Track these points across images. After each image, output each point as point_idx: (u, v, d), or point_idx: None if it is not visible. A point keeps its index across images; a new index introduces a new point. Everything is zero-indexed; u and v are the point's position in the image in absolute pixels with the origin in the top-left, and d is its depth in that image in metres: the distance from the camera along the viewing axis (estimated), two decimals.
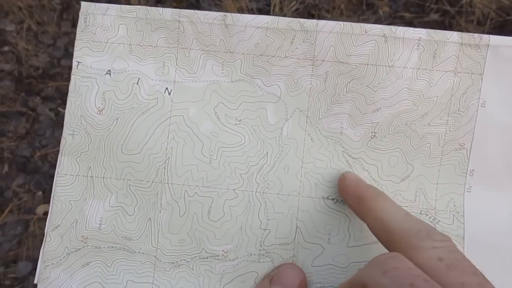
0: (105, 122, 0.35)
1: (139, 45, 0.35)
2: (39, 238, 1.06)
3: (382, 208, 0.29)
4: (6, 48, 1.20)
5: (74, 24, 1.24)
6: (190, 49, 0.35)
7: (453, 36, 0.34)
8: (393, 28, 0.34)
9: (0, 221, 1.06)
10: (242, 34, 0.35)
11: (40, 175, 1.10)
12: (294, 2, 1.21)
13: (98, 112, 0.35)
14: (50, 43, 1.21)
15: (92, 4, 0.35)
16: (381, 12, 1.20)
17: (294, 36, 0.35)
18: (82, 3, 0.35)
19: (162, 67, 0.35)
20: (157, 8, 0.35)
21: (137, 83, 0.35)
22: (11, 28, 1.22)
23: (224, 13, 0.35)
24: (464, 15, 1.19)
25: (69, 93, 0.35)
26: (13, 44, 1.20)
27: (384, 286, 0.22)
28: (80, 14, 0.35)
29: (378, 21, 1.19)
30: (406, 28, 0.34)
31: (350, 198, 0.33)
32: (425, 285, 0.21)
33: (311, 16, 1.22)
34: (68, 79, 1.17)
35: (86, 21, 0.35)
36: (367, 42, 0.34)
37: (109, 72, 0.35)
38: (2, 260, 1.04)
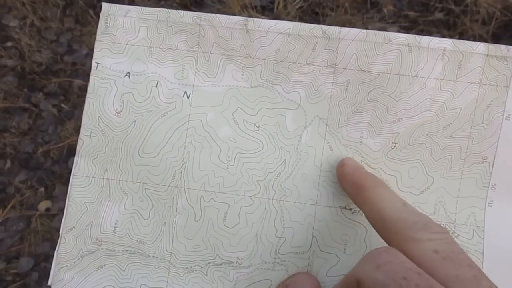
0: (123, 124, 0.35)
1: (159, 48, 0.35)
2: (41, 234, 1.05)
3: (379, 197, 0.29)
4: (9, 44, 1.20)
5: (78, 20, 1.24)
6: (210, 53, 0.35)
7: (479, 47, 0.33)
8: (418, 37, 0.33)
9: (2, 217, 1.06)
10: (263, 39, 0.34)
11: (42, 171, 1.10)
12: (298, 0, 1.21)
13: (116, 114, 0.35)
14: (53, 39, 1.21)
15: (113, 5, 0.35)
16: (385, 10, 1.20)
17: (316, 42, 0.34)
18: (103, 4, 0.35)
19: (182, 71, 0.35)
20: (178, 11, 0.35)
21: (156, 86, 0.35)
22: (14, 24, 1.21)
23: (246, 17, 0.34)
24: (469, 14, 1.18)
25: (88, 94, 0.35)
26: (16, 40, 1.19)
27: (377, 281, 0.22)
28: (101, 15, 0.35)
29: (382, 19, 1.19)
30: (431, 38, 0.33)
31: (348, 185, 0.33)
32: (418, 278, 0.21)
33: (315, 14, 1.21)
34: (71, 76, 1.17)
35: (106, 23, 0.35)
36: (390, 51, 0.33)
37: (128, 74, 0.35)
38: (4, 255, 1.04)
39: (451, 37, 1.16)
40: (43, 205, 1.07)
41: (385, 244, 0.27)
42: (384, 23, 1.17)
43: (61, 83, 1.16)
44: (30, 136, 1.11)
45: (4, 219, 1.06)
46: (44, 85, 1.16)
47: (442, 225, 0.34)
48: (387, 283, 0.21)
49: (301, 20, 1.19)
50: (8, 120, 1.13)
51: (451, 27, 1.18)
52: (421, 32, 1.17)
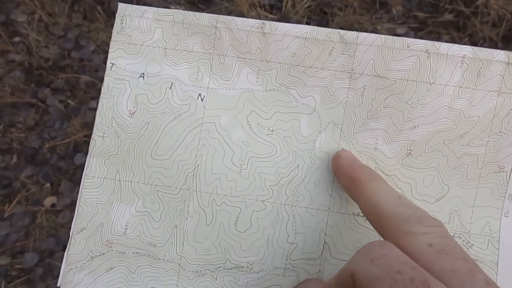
0: (136, 126, 0.34)
1: (174, 49, 0.34)
2: (46, 230, 1.05)
3: (374, 191, 0.28)
4: (17, 39, 1.19)
5: (85, 16, 1.23)
6: (225, 55, 0.34)
7: (499, 55, 0.33)
8: (437, 44, 0.33)
9: (8, 212, 1.06)
10: (279, 43, 0.34)
11: (48, 167, 1.09)
12: None
13: (130, 115, 0.34)
14: (61, 34, 1.21)
15: (129, 6, 0.35)
16: (394, 11, 1.19)
17: (333, 47, 0.33)
18: (120, 5, 0.35)
19: (196, 73, 0.34)
20: (194, 12, 0.34)
21: (170, 88, 0.34)
22: (22, 19, 1.21)
23: (262, 21, 0.34)
24: (479, 16, 1.17)
25: (101, 95, 0.35)
26: (24, 35, 1.19)
27: (371, 274, 0.21)
28: (117, 15, 0.35)
29: (391, 20, 1.18)
30: (451, 44, 0.33)
31: (343, 178, 0.32)
32: (412, 272, 0.21)
33: (323, 13, 1.21)
34: (78, 72, 1.17)
35: (122, 23, 0.35)
36: (408, 57, 0.33)
37: (142, 75, 0.34)
38: (9, 251, 1.04)
39: (460, 38, 1.16)
40: (49, 201, 1.06)
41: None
42: (393, 24, 1.17)
43: (68, 79, 1.16)
44: (37, 132, 1.11)
45: (9, 214, 1.06)
46: (51, 80, 1.16)
47: (456, 235, 0.34)
48: (381, 277, 0.21)
49: (309, 19, 1.19)
50: (15, 115, 1.13)
51: (460, 29, 1.17)
52: (430, 33, 1.17)
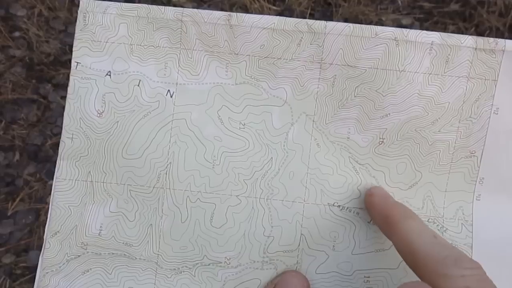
0: (105, 126, 0.34)
1: (140, 45, 0.34)
2: None
3: (409, 230, 0.27)
4: (17, 34, 1.19)
5: None
6: (193, 50, 0.34)
7: (467, 40, 0.32)
8: (405, 31, 0.32)
9: (12, 209, 1.06)
10: (247, 35, 0.33)
11: (51, 164, 1.09)
12: None
13: (98, 115, 0.34)
14: (62, 29, 1.20)
15: (91, 1, 0.33)
16: (399, 1, 1.17)
17: (302, 38, 0.33)
18: (81, 1, 0.33)
19: (164, 69, 0.34)
20: (159, 6, 0.33)
21: (138, 85, 0.34)
22: (22, 13, 1.21)
23: (229, 13, 0.32)
24: (486, 5, 1.15)
25: (68, 95, 0.34)
26: (24, 30, 1.18)
27: None
28: (79, 12, 0.34)
29: (396, 11, 1.17)
30: (419, 31, 0.32)
31: (377, 216, 0.32)
32: None
33: (327, 4, 1.19)
34: None
35: (85, 20, 0.33)
36: (377, 45, 0.32)
37: (109, 73, 0.34)
38: (13, 249, 1.04)
39: (466, 29, 1.14)
40: None
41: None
42: (398, 15, 1.15)
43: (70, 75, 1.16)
44: (39, 128, 1.11)
45: (13, 212, 1.06)
46: (52, 76, 1.15)
47: (430, 220, 0.34)
48: None
49: (313, 10, 1.18)
50: (16, 112, 1.13)
51: (467, 19, 1.15)
52: (435, 24, 1.15)
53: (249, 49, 0.33)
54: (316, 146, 0.34)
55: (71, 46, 1.17)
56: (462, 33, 0.34)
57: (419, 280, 0.25)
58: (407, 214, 0.30)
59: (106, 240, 0.34)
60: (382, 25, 1.01)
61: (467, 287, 0.22)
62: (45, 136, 1.12)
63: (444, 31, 1.13)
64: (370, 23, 1.13)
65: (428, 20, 1.16)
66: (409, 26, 1.13)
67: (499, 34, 1.13)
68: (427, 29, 0.33)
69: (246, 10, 1.18)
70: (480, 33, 1.14)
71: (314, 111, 0.34)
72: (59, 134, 1.10)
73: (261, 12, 1.15)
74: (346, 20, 1.14)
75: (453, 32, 1.11)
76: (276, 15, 1.18)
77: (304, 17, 1.13)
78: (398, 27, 0.32)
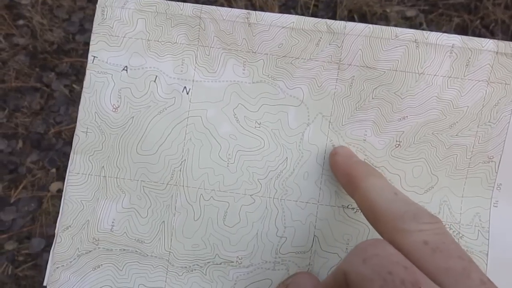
0: (120, 121, 0.33)
1: (158, 41, 0.33)
2: (52, 215, 1.05)
3: (370, 187, 0.27)
4: (21, 22, 1.18)
5: None
6: (210, 47, 0.33)
7: (489, 44, 0.31)
8: (426, 33, 0.31)
9: (14, 197, 1.06)
10: (265, 33, 0.32)
11: (54, 152, 1.09)
12: None
13: (113, 109, 0.33)
14: (65, 17, 1.19)
15: None
16: None
17: (320, 37, 0.32)
18: None
19: (181, 65, 0.33)
20: (177, 3, 0.33)
21: (155, 81, 0.33)
22: (26, 2, 1.20)
23: (248, 11, 0.32)
24: None
25: (84, 89, 0.33)
26: (28, 18, 1.18)
27: (363, 275, 0.21)
28: (97, 6, 0.33)
29: (400, 2, 1.16)
30: (439, 34, 0.31)
31: (340, 174, 0.31)
32: (404, 272, 0.20)
33: None
34: (82, 56, 1.16)
35: (103, 14, 0.33)
36: (397, 47, 0.32)
37: (125, 69, 0.33)
38: (16, 236, 1.04)
39: (471, 21, 1.13)
40: (55, 187, 1.06)
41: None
42: (403, 6, 1.14)
43: (73, 63, 1.15)
44: (42, 117, 1.10)
45: (15, 200, 1.06)
46: (56, 64, 1.14)
47: (447, 225, 0.33)
48: (371, 278, 0.20)
49: (317, 2, 1.17)
50: (20, 100, 1.12)
51: (472, 11, 1.14)
52: (440, 16, 1.14)
53: (267, 47, 0.33)
54: (331, 147, 0.33)
55: (74, 35, 1.17)
56: (467, 25, 0.33)
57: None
58: (370, 171, 0.29)
59: (118, 236, 0.34)
60: (386, 16, 1.00)
61: (424, 241, 0.22)
62: (48, 124, 1.11)
63: (449, 23, 1.12)
64: (374, 14, 1.12)
65: (433, 12, 1.15)
66: (414, 18, 1.12)
67: (505, 27, 1.13)
68: (431, 21, 0.32)
69: (250, 1, 1.17)
70: (485, 26, 1.13)
71: (331, 112, 0.33)
72: (62, 122, 1.10)
73: (265, 3, 1.14)
74: (350, 12, 1.13)
75: (458, 24, 1.11)
76: (280, 6, 1.17)
77: (308, 8, 1.12)
78: (403, 18, 0.32)
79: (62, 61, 1.16)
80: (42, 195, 1.07)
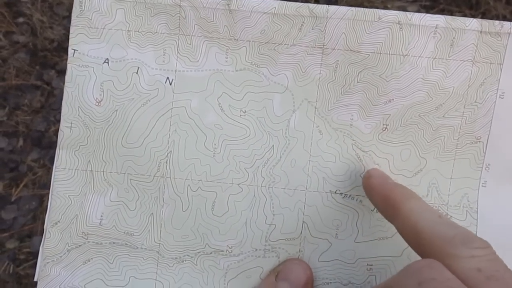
0: (104, 114, 0.33)
1: (138, 32, 0.33)
2: None
3: (412, 210, 0.26)
4: (21, 20, 1.18)
5: None
6: (192, 35, 0.33)
7: (472, 23, 0.31)
8: (409, 14, 0.31)
9: (15, 195, 1.06)
10: (247, 20, 0.32)
11: (55, 150, 1.08)
12: None
13: (97, 103, 0.33)
14: (65, 15, 1.19)
15: None
16: None
17: (303, 22, 0.32)
18: None
19: (163, 55, 0.33)
20: None
21: (137, 73, 0.33)
22: None
23: None
24: None
25: (66, 83, 0.33)
26: (28, 16, 1.18)
27: None
28: None
29: None
30: (423, 14, 0.31)
31: (377, 197, 0.30)
32: None
33: None
34: None
35: (81, 5, 0.32)
36: (380, 29, 0.31)
37: (107, 61, 0.33)
38: (17, 234, 1.04)
39: (473, 16, 1.12)
40: None
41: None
42: (404, 2, 1.13)
43: None
44: (42, 114, 1.10)
45: (17, 198, 1.06)
46: (56, 62, 1.14)
47: (434, 207, 0.33)
48: None
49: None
50: (20, 98, 1.12)
51: (473, 6, 1.13)
52: (442, 11, 1.13)
53: (249, 34, 0.32)
54: (318, 133, 0.33)
55: None
56: None
57: None
58: (408, 194, 0.28)
59: (107, 230, 0.34)
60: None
61: (478, 268, 0.21)
62: (48, 122, 1.11)
63: None
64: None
65: (434, 7, 1.15)
66: None
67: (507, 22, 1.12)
68: None
69: None
70: None
71: (316, 97, 0.33)
72: None
73: None
74: (350, 7, 1.12)
75: None
76: None
77: (308, 1, 1.11)
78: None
79: (62, 59, 1.16)
80: (43, 193, 1.08)
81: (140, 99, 0.33)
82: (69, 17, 1.11)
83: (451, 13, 1.13)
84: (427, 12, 1.12)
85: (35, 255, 1.03)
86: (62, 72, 1.15)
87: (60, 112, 0.32)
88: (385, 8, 1.12)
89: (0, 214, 1.04)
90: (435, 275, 0.21)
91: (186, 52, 0.33)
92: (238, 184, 0.33)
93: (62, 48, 1.17)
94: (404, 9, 1.13)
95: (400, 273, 0.22)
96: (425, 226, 0.25)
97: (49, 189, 0.34)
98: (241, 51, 0.33)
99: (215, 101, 0.33)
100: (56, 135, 1.07)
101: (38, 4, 1.19)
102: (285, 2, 0.32)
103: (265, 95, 0.33)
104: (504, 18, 1.12)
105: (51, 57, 1.16)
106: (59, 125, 0.32)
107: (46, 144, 1.11)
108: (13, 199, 1.07)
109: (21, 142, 1.11)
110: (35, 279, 0.34)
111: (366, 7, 0.32)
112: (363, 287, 0.33)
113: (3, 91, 1.13)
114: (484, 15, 1.13)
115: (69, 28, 0.32)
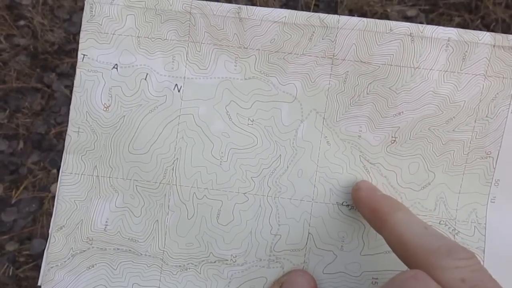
0: (112, 120, 0.33)
1: (148, 38, 0.32)
2: None
3: (399, 222, 0.26)
4: (21, 23, 1.18)
5: None
6: (201, 43, 0.32)
7: (486, 37, 0.31)
8: (421, 26, 0.31)
9: (15, 198, 1.06)
10: (257, 28, 0.32)
11: (55, 153, 1.08)
12: None
13: (104, 108, 0.33)
14: (66, 18, 1.19)
15: None
16: None
17: (313, 32, 0.32)
18: None
19: (172, 62, 0.33)
20: None
21: (145, 79, 0.33)
22: (26, 2, 1.20)
23: (238, 5, 0.32)
24: None
25: (74, 88, 0.33)
26: (29, 18, 1.18)
27: None
28: (85, 3, 0.32)
29: (401, 2, 1.13)
30: (435, 27, 0.31)
31: (365, 209, 0.30)
32: None
33: None
34: None
35: (92, 11, 0.32)
36: (392, 41, 0.31)
37: (116, 67, 0.33)
38: (17, 237, 1.04)
39: (472, 20, 1.12)
40: (56, 187, 1.06)
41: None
42: (404, 6, 1.13)
43: (74, 64, 1.14)
44: (43, 117, 1.10)
45: (16, 200, 1.06)
46: (56, 65, 1.14)
47: (442, 222, 0.33)
48: None
49: (318, 1, 1.16)
50: (20, 101, 1.12)
51: (472, 11, 1.13)
52: (441, 15, 1.13)
53: (259, 43, 0.32)
54: (326, 144, 0.33)
55: (75, 35, 1.17)
56: (468, 25, 0.32)
57: None
58: (396, 206, 0.28)
59: (112, 236, 0.33)
60: (387, 16, 0.99)
61: (462, 278, 0.21)
62: (49, 125, 1.11)
63: (450, 23, 1.12)
64: (375, 14, 1.12)
65: (434, 11, 1.15)
66: (414, 17, 1.11)
67: (505, 26, 1.12)
68: (432, 21, 0.32)
69: (250, 0, 1.16)
70: (486, 25, 1.13)
71: (325, 108, 0.32)
72: (63, 123, 1.10)
73: (266, 3, 1.13)
74: (350, 11, 1.13)
75: (458, 23, 1.10)
76: (281, 6, 1.16)
77: (309, 8, 1.11)
78: (403, 18, 0.31)
79: (63, 62, 1.16)
80: (43, 196, 1.07)
81: (148, 106, 0.33)
82: (69, 20, 1.11)
83: (450, 17, 1.13)
84: (427, 16, 1.13)
85: (34, 257, 1.02)
86: (62, 75, 1.15)
87: (60, 115, 0.32)
88: (385, 11, 1.12)
89: (0, 217, 1.04)
90: (420, 286, 0.21)
91: (195, 59, 0.33)
92: (244, 193, 0.33)
93: (62, 51, 1.17)
94: (403, 12, 1.13)
95: (386, 285, 0.23)
96: (410, 237, 0.25)
97: (49, 191, 0.33)
98: (250, 59, 0.33)
99: (223, 109, 0.33)
100: (57, 138, 1.08)
101: (39, 7, 1.19)
102: (296, 11, 0.32)
103: (273, 104, 0.33)
104: (504, 22, 1.12)
105: (51, 60, 1.16)
106: (59, 128, 0.32)
107: (46, 147, 1.11)
108: (13, 201, 1.06)
109: (21, 145, 1.11)
110: (38, 284, 0.33)
111: (366, 10, 0.32)
112: None
113: (4, 93, 1.13)
114: (483, 19, 1.13)
115: (69, 31, 0.32)
